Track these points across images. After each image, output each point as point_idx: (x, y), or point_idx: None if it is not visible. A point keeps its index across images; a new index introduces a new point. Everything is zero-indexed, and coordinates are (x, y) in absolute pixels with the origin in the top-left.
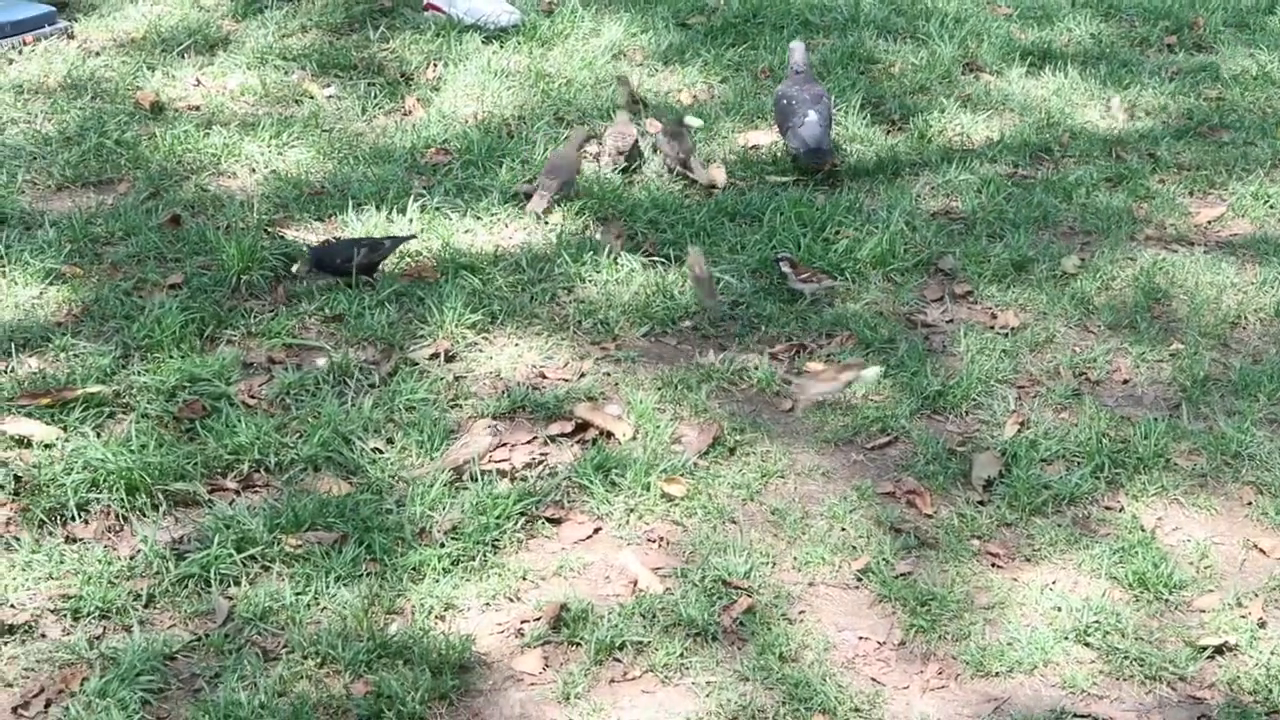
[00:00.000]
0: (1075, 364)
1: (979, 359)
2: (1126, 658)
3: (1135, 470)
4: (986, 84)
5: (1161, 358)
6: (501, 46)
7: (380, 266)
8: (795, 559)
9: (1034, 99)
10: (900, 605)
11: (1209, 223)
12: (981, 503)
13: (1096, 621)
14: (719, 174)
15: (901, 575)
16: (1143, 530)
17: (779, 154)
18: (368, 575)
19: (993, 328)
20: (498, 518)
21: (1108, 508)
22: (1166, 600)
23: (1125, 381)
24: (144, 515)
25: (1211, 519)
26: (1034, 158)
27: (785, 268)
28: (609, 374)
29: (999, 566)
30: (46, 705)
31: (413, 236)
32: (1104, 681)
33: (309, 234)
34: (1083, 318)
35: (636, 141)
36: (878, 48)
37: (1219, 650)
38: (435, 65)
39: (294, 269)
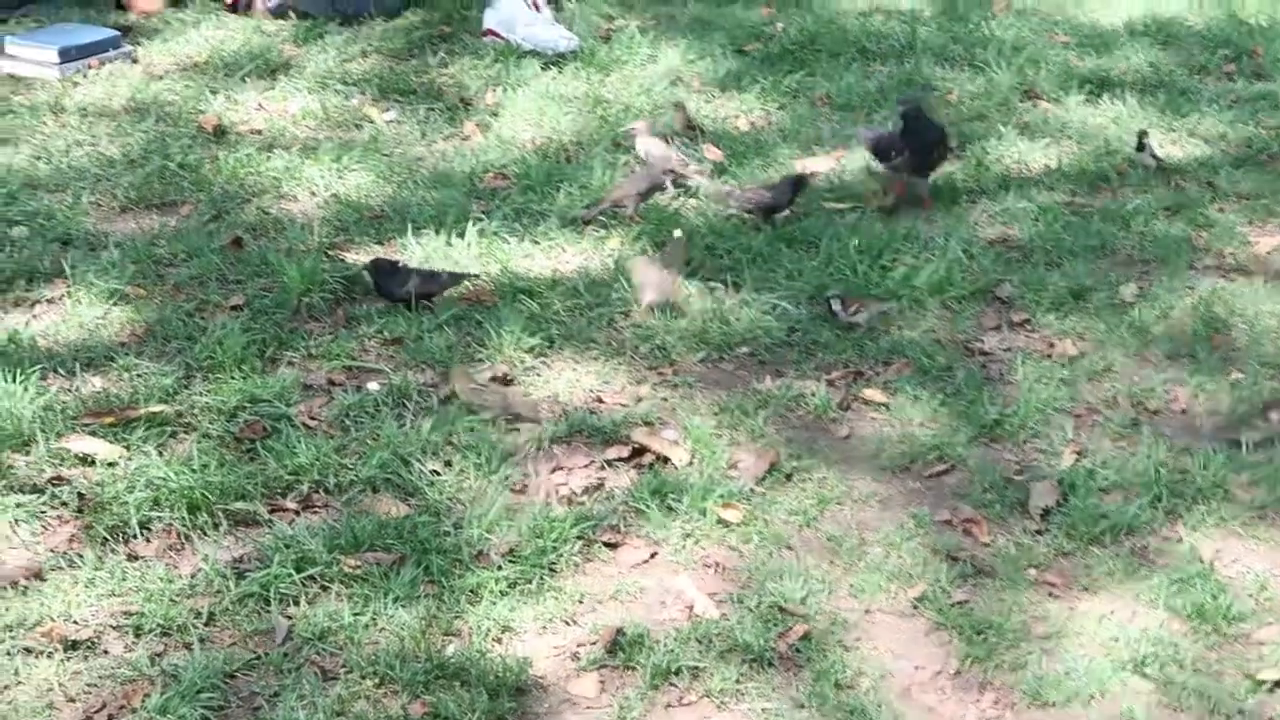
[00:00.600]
0: (1133, 393)
1: (1036, 387)
2: (1184, 690)
3: (1194, 501)
4: (1044, 112)
5: (1221, 388)
6: (560, 72)
7: (434, 299)
8: (851, 586)
9: (1092, 127)
10: (957, 634)
11: (1269, 252)
12: (1039, 532)
13: (1154, 652)
14: None
15: (958, 604)
16: (1201, 561)
17: (836, 181)
18: (425, 597)
19: (1050, 356)
20: (555, 541)
21: (1166, 538)
22: (1225, 632)
23: (1183, 411)
24: (205, 534)
25: (1271, 551)
26: (1092, 186)
27: (836, 306)
28: (666, 399)
29: (1056, 596)
30: None
31: (474, 276)
32: (1161, 713)
33: (369, 257)
34: (1141, 347)
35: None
36: (935, 75)
37: (1278, 684)
38: (494, 90)
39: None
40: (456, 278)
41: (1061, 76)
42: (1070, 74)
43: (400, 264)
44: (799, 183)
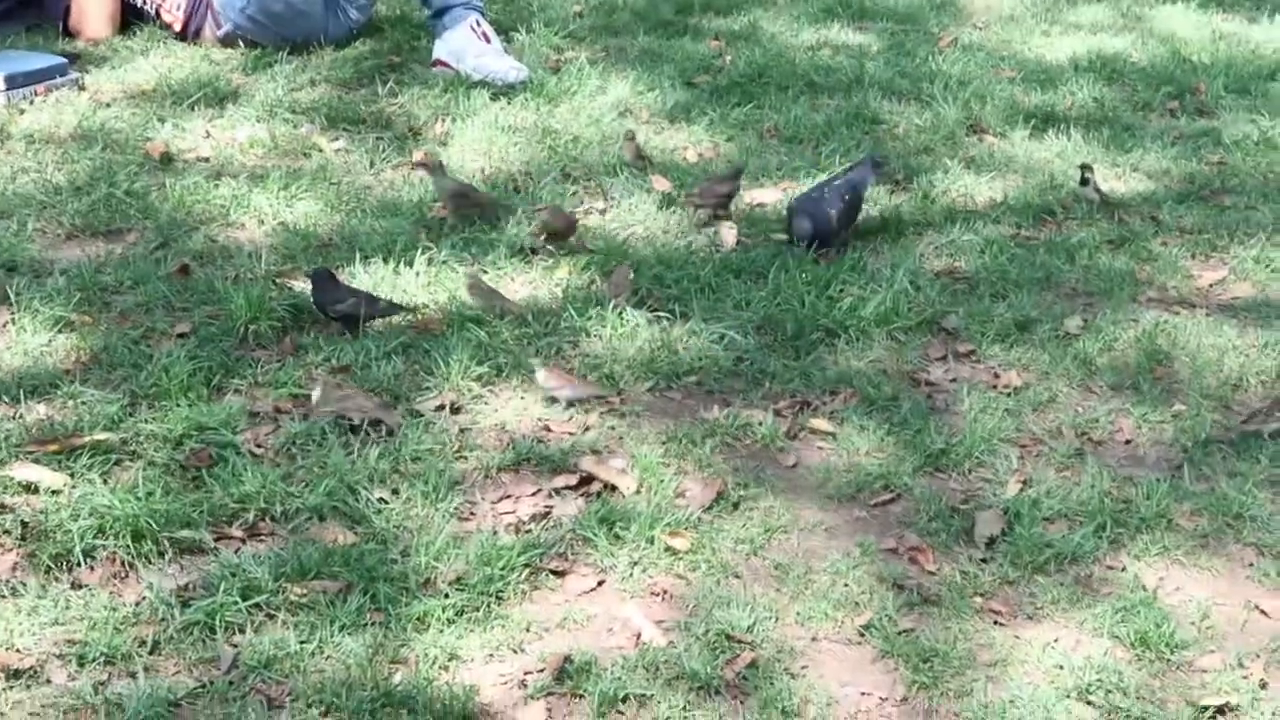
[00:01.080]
0: (1078, 424)
1: (982, 418)
2: (1129, 717)
3: (1137, 530)
4: (990, 146)
5: (1164, 419)
6: (509, 103)
7: (366, 323)
8: (798, 614)
9: (1037, 161)
10: (903, 661)
11: (1211, 285)
12: (984, 560)
13: (1099, 680)
14: (729, 234)
15: (904, 631)
16: (1144, 590)
17: (783, 212)
18: (372, 625)
19: (995, 387)
20: (502, 569)
21: (1110, 567)
22: (1168, 660)
23: (1128, 442)
24: (150, 562)
25: (1213, 579)
26: (1037, 219)
27: (540, 374)
28: (613, 428)
29: (1001, 624)
30: None
31: (415, 308)
32: None
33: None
34: (1085, 378)
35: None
36: (882, 109)
37: (1220, 711)
38: (443, 120)
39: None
40: (396, 307)
41: (1007, 111)
42: (1016, 109)
43: (340, 281)
44: (739, 170)
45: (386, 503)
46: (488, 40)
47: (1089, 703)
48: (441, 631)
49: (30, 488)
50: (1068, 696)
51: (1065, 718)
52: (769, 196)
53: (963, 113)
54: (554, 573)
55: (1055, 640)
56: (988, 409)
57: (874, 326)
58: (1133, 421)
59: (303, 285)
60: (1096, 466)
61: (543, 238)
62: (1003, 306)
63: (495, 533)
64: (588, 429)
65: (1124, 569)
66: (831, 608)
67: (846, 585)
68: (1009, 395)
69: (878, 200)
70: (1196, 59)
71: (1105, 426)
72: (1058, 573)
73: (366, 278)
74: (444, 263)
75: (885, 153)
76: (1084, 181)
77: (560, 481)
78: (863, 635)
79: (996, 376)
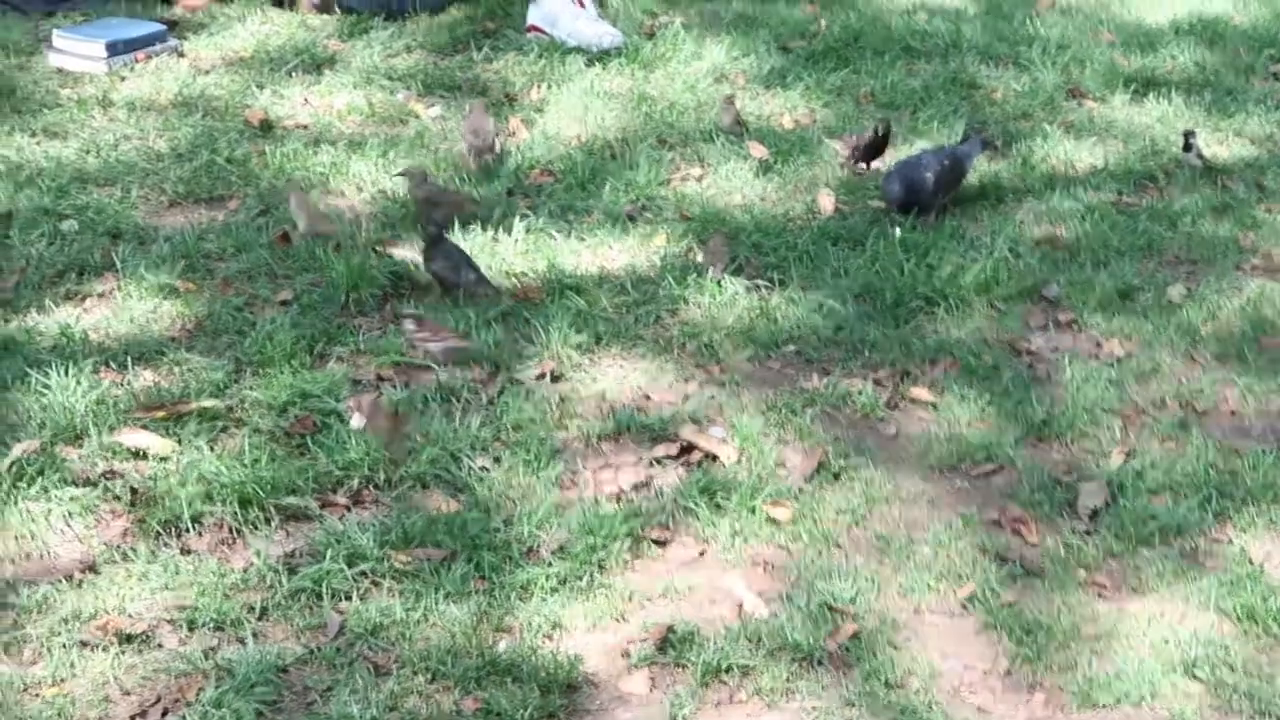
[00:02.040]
0: (1181, 394)
1: (1084, 388)
2: (1235, 692)
3: (1243, 502)
4: (1090, 111)
5: (1270, 389)
6: (604, 69)
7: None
8: (901, 585)
9: (1138, 126)
10: (1006, 634)
11: None
12: (1088, 532)
13: (1205, 654)
14: (826, 200)
15: (1007, 604)
16: (1251, 563)
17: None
18: (476, 593)
19: (1097, 356)
20: (604, 538)
21: (1215, 540)
22: (1276, 635)
23: (1233, 413)
24: (256, 529)
25: None
26: (1138, 185)
27: (410, 325)
28: (713, 397)
29: (1105, 597)
30: (164, 714)
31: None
32: (1212, 716)
33: (417, 254)
34: (1189, 348)
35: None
36: (980, 73)
37: None
38: (539, 87)
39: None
40: (485, 282)
41: (1107, 75)
42: (1115, 73)
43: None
44: (888, 125)
45: (489, 471)
46: (582, 5)
47: (1195, 677)
48: (545, 600)
49: (139, 454)
50: (1173, 671)
51: (1171, 692)
52: (861, 163)
53: (1062, 77)
54: (656, 542)
55: (1160, 614)
56: (1090, 379)
57: (974, 295)
58: (1238, 392)
59: (402, 253)
60: (1201, 438)
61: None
62: (1104, 275)
63: (597, 501)
64: (687, 398)
65: (1230, 542)
66: (934, 579)
67: (949, 557)
68: (1111, 365)
69: (977, 167)
70: None
71: (1210, 397)
72: (1163, 545)
73: (466, 244)
74: (541, 230)
75: (985, 119)
76: (1187, 147)
77: (661, 450)
78: (966, 607)
79: (1099, 346)
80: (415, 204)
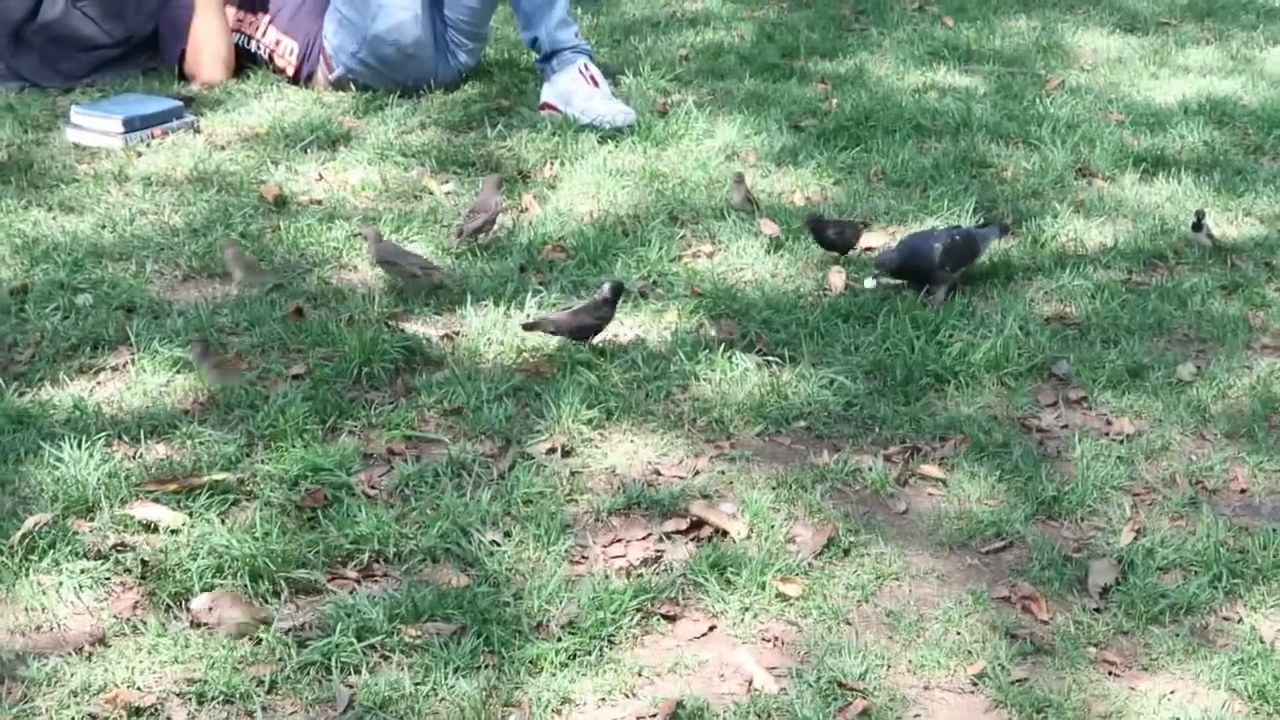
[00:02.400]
0: (1192, 472)
1: (1094, 465)
2: None
3: (1254, 581)
4: (1100, 189)
5: (1279, 467)
6: (617, 146)
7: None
8: (910, 662)
9: (1147, 205)
10: (1016, 711)
11: None
12: (1098, 610)
13: None
14: (837, 277)
15: (1017, 681)
16: (1262, 642)
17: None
18: (486, 667)
19: (1107, 434)
20: (614, 613)
21: (1226, 618)
22: None
23: (1243, 491)
24: (267, 602)
25: None
26: (1148, 264)
27: (198, 350)
28: (723, 472)
29: (1116, 675)
30: None
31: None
32: None
33: (429, 328)
34: (1199, 426)
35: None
36: (990, 152)
37: None
38: (552, 164)
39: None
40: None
41: (1116, 154)
42: (1125, 152)
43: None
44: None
45: (499, 545)
46: (596, 84)
47: None
48: (554, 675)
49: (150, 526)
50: None
51: None
52: (877, 240)
53: (1071, 156)
54: (665, 617)
55: (1171, 692)
56: (1100, 456)
57: (984, 372)
58: (1248, 470)
59: (414, 328)
60: (1211, 516)
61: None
62: (1114, 353)
63: (607, 576)
64: (698, 473)
65: (1240, 620)
66: (944, 656)
67: (959, 633)
68: (1121, 443)
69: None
70: None
71: (1220, 475)
72: (1173, 623)
73: (477, 320)
74: (553, 304)
75: (995, 198)
76: (1198, 226)
77: (671, 525)
78: (976, 684)
79: (1109, 423)
80: (373, 262)
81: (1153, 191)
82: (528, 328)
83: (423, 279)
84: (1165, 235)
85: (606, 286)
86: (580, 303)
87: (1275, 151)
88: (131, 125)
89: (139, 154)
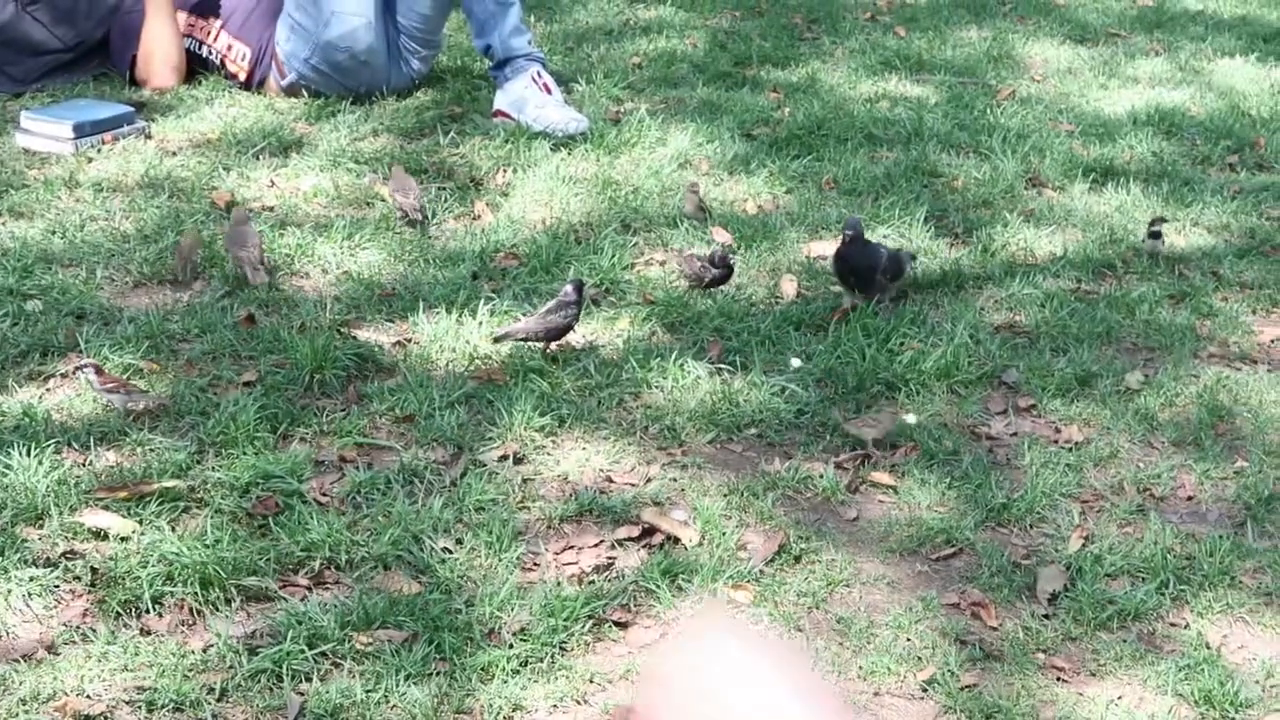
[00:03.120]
0: (1139, 480)
1: (1043, 473)
2: None
3: (1201, 587)
4: (1049, 199)
5: (1226, 475)
6: (570, 154)
7: None
8: (861, 668)
9: (1096, 215)
10: (966, 716)
11: (1272, 341)
12: (1046, 616)
13: None
14: (789, 286)
15: (967, 687)
16: (1208, 648)
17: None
18: (437, 674)
19: (1056, 442)
20: (566, 620)
21: (1173, 624)
22: (1232, 719)
23: (1190, 498)
24: (217, 609)
25: (1277, 638)
26: (1097, 273)
27: (90, 374)
28: (675, 479)
29: (1064, 680)
30: None
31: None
32: None
33: (381, 335)
34: (1147, 434)
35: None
36: (941, 161)
37: None
38: (505, 171)
39: None
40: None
41: (1066, 165)
42: (1075, 162)
43: None
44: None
45: (451, 552)
46: (549, 91)
47: None
48: (506, 682)
49: (100, 534)
50: None
51: None
52: (828, 250)
53: (1022, 166)
54: (617, 624)
55: (1119, 698)
56: (1049, 464)
57: (934, 380)
58: (1195, 478)
59: (366, 335)
60: (1159, 523)
61: None
62: (1063, 361)
63: (559, 583)
64: (650, 480)
65: (1187, 626)
66: (894, 662)
67: (909, 640)
68: (1070, 450)
69: (937, 254)
70: (1255, 113)
71: (1167, 483)
72: (1121, 629)
73: (429, 327)
74: (506, 312)
75: (945, 207)
76: (1155, 235)
77: (623, 533)
78: (925, 690)
79: (1058, 431)
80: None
81: (1102, 201)
82: (498, 339)
83: (249, 273)
84: (1114, 245)
85: (569, 286)
86: (545, 305)
87: (1223, 162)
88: (82, 130)
89: (90, 159)
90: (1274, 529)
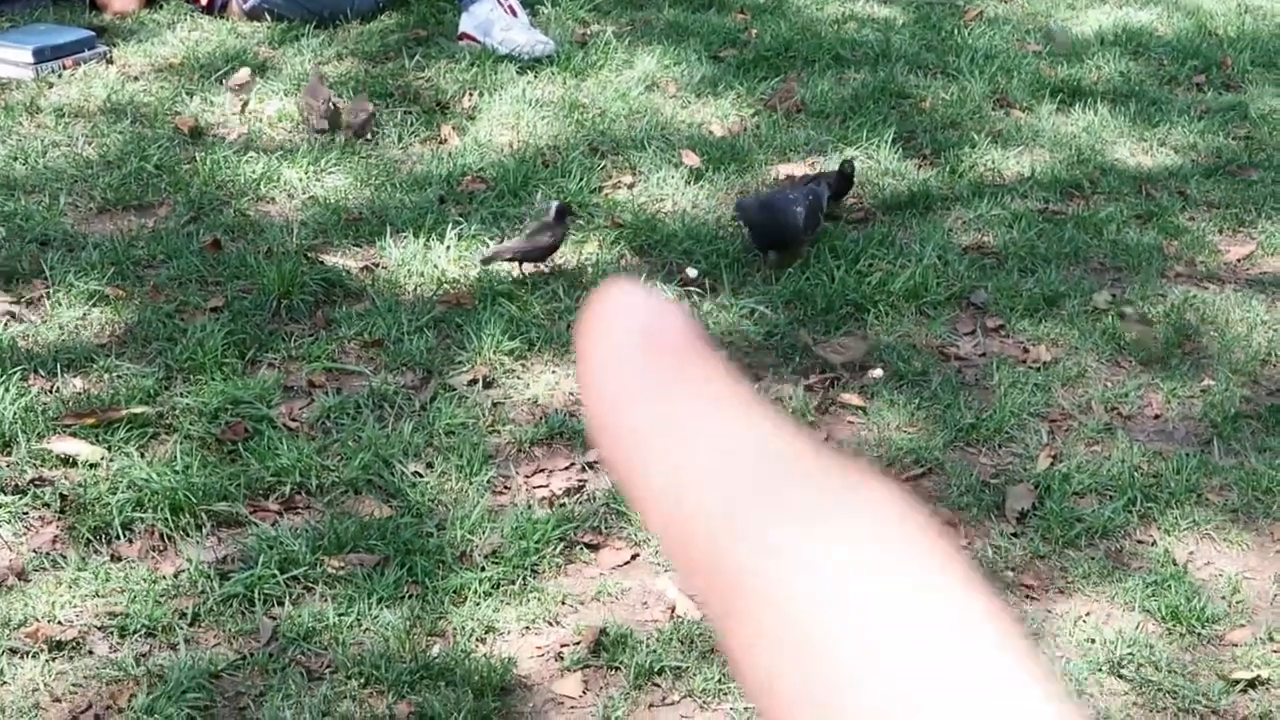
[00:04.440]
0: (1107, 399)
1: (1011, 393)
2: (1160, 690)
3: (1167, 505)
4: (1017, 120)
5: (1193, 394)
6: (536, 77)
7: None
8: None
9: (1064, 135)
10: None
11: (1239, 260)
12: (1015, 535)
13: (1130, 654)
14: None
15: None
16: (1175, 564)
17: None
18: (409, 597)
19: (1025, 361)
20: (537, 542)
21: (1140, 541)
22: (1199, 634)
23: (1157, 417)
24: (188, 535)
25: (1243, 554)
26: (1064, 193)
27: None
28: None
29: (1033, 598)
30: None
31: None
32: (1137, 714)
33: (349, 260)
34: (1114, 353)
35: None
36: (909, 83)
37: (1251, 684)
38: (471, 94)
39: None
40: None
41: (1033, 85)
42: (1042, 83)
43: None
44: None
45: (421, 476)
46: (514, 14)
47: (1121, 676)
48: (478, 604)
49: (68, 461)
50: (1099, 670)
51: (1098, 690)
52: (797, 171)
53: (989, 87)
54: (588, 546)
55: (1087, 614)
56: (1017, 384)
57: (903, 301)
58: (1162, 396)
59: (333, 259)
60: (1126, 441)
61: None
62: (1031, 281)
63: (529, 506)
64: None
65: (1154, 543)
66: None
67: None
68: (1038, 370)
69: (905, 175)
70: (1223, 33)
71: (1134, 401)
72: (1088, 547)
73: (397, 252)
74: (474, 236)
75: (913, 128)
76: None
77: (593, 455)
78: None
79: (1026, 351)
80: None
81: (1069, 121)
82: (486, 261)
83: (312, 120)
84: (1082, 165)
85: (552, 207)
86: (529, 227)
87: (1190, 82)
88: (42, 56)
89: (50, 85)
90: (1240, 447)
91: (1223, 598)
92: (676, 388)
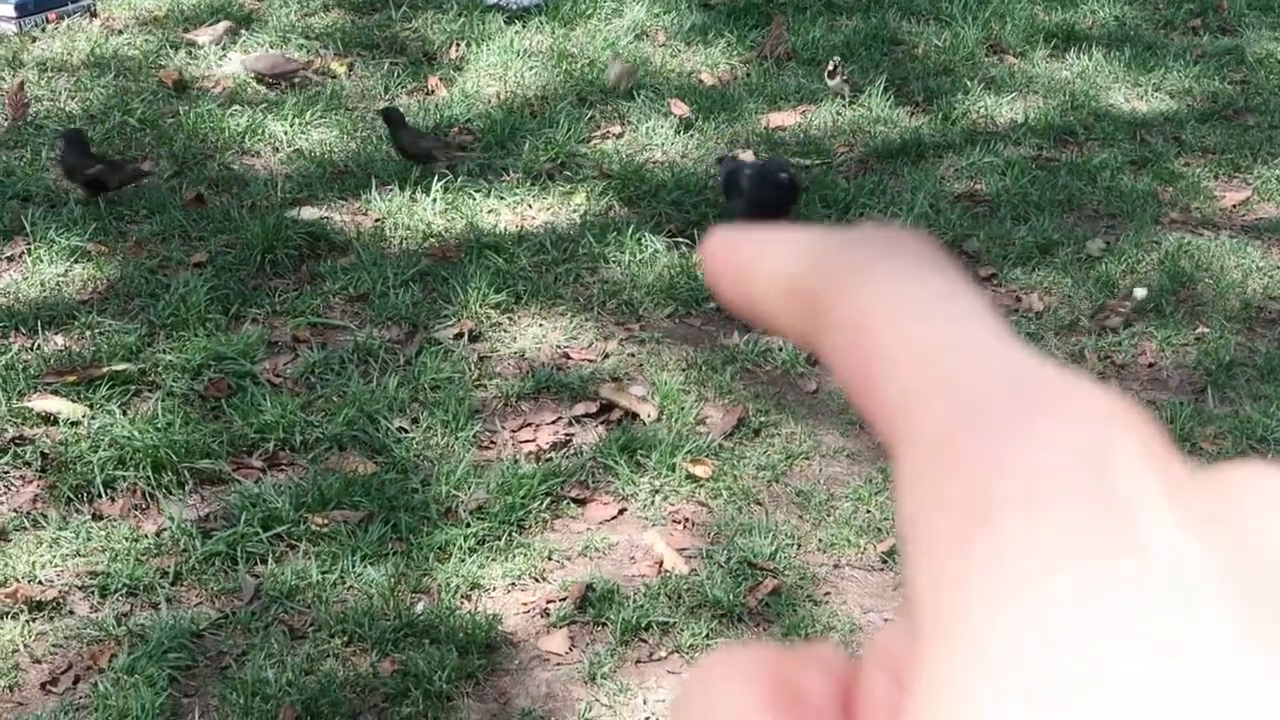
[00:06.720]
0: (1100, 348)
1: None
2: None
3: None
4: (1010, 66)
5: (1187, 341)
6: (524, 26)
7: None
8: (821, 541)
9: (1058, 81)
10: None
11: (1234, 206)
12: None
13: None
14: (747, 157)
15: None
16: None
17: (803, 135)
18: (394, 554)
19: (1017, 310)
20: (523, 497)
21: None
22: None
23: (1151, 365)
24: (170, 493)
25: None
26: (1058, 140)
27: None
28: (633, 355)
29: None
30: (75, 681)
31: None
32: None
33: (333, 212)
34: (1108, 301)
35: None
36: (901, 29)
37: None
38: (458, 45)
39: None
40: (140, 173)
41: (1027, 30)
42: (1036, 28)
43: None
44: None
45: (406, 431)
46: None
47: None
48: (463, 560)
49: (50, 419)
50: None
51: None
52: (788, 120)
53: (982, 32)
54: (575, 501)
55: None
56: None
57: None
58: (1156, 344)
59: (317, 212)
60: (1120, 390)
61: None
62: (1024, 229)
63: (516, 461)
64: (607, 356)
65: None
66: (854, 534)
67: (869, 511)
68: (1031, 319)
69: (898, 123)
70: None
71: (1128, 350)
72: None
73: (382, 204)
74: (460, 189)
75: (906, 74)
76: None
77: (580, 409)
78: (885, 562)
79: (1018, 300)
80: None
81: (1064, 67)
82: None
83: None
84: (1076, 111)
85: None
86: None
87: (1185, 26)
88: (25, 9)
89: (34, 39)
90: (1234, 395)
91: None
92: None
